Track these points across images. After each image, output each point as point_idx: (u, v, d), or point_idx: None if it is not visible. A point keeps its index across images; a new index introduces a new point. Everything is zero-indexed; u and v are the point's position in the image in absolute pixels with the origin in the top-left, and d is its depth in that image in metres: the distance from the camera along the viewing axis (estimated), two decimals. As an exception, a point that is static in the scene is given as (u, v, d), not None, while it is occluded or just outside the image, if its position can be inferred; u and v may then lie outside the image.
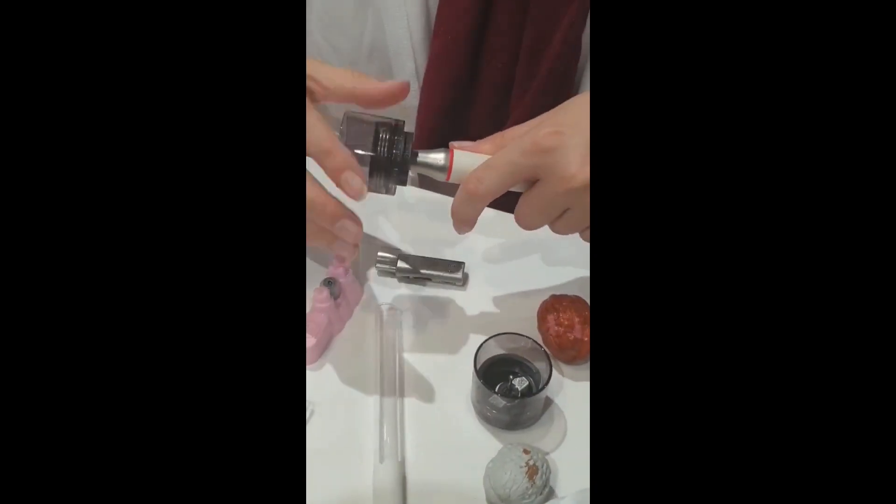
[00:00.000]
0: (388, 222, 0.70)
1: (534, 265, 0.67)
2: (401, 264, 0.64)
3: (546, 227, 0.54)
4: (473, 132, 0.75)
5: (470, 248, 0.68)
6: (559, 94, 0.66)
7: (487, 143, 0.53)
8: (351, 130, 0.50)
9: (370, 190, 0.50)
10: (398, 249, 0.65)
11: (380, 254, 0.65)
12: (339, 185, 0.47)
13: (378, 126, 0.50)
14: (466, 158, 0.52)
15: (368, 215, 0.69)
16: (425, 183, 0.73)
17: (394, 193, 0.53)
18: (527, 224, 0.53)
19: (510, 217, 0.70)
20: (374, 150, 0.49)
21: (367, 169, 0.49)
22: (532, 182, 0.51)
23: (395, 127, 0.51)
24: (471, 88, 0.70)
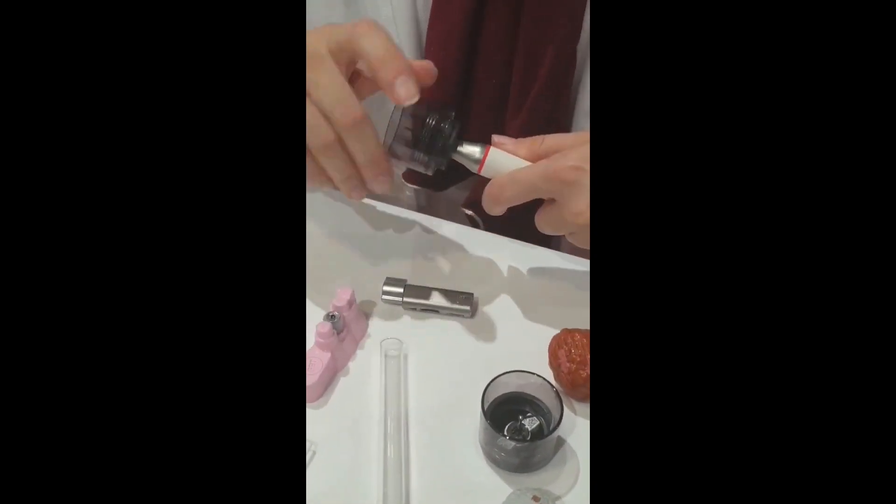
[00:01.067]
0: (394, 250, 0.68)
1: (545, 295, 0.64)
2: (407, 296, 0.62)
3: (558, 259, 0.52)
4: None
5: (479, 277, 0.65)
6: (555, 110, 0.66)
7: (526, 143, 0.55)
8: (405, 109, 0.53)
9: (411, 165, 0.54)
10: (404, 280, 0.63)
11: (385, 286, 0.63)
12: (391, 90, 0.49)
13: (430, 109, 0.54)
14: (499, 157, 0.55)
15: (375, 243, 0.68)
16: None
17: (431, 173, 0.56)
18: (541, 230, 0.56)
19: (520, 245, 0.69)
20: (422, 131, 0.53)
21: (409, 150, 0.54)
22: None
23: (445, 113, 0.54)
24: (465, 107, 0.69)
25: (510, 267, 0.67)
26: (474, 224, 0.75)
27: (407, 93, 0.49)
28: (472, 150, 0.55)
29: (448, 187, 0.78)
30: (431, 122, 0.53)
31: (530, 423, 0.53)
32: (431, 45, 0.66)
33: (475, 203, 0.73)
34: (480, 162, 0.54)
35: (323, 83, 0.48)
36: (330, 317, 0.57)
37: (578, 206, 0.51)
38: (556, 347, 0.56)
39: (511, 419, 0.53)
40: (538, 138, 0.55)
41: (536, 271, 0.66)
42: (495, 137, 0.56)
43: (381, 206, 0.72)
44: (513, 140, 0.55)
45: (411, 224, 0.71)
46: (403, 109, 0.53)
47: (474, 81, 0.68)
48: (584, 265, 0.67)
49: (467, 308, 0.62)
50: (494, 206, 0.55)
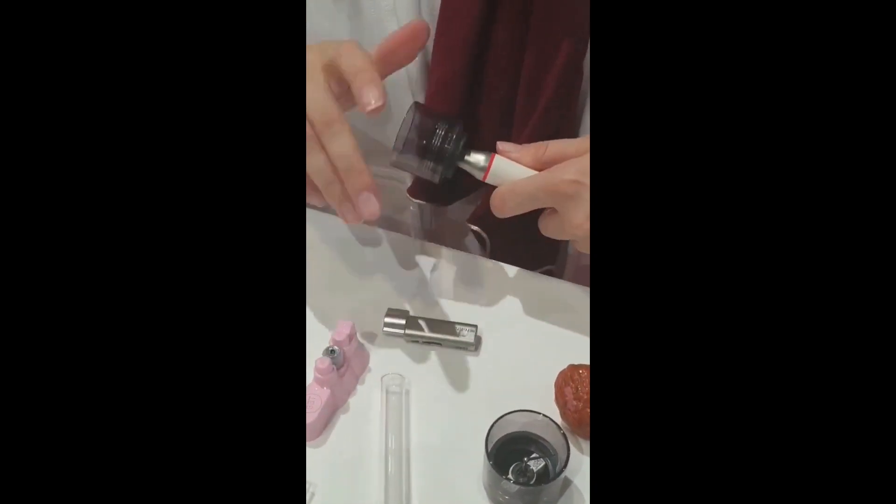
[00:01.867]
0: (396, 280, 0.66)
1: (551, 328, 0.62)
2: (409, 328, 0.61)
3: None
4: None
5: (484, 308, 0.64)
6: (561, 124, 0.64)
7: (530, 150, 0.56)
8: (415, 119, 0.55)
9: (419, 173, 0.56)
10: (406, 311, 0.62)
11: (387, 317, 0.61)
12: (360, 98, 0.50)
13: (437, 119, 0.56)
14: (504, 165, 0.56)
15: (377, 272, 0.67)
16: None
17: (438, 181, 0.56)
18: (544, 233, 0.57)
19: (526, 275, 0.67)
20: (430, 140, 0.55)
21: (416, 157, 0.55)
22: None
23: (453, 122, 0.56)
24: (471, 120, 0.68)
25: (515, 298, 0.65)
26: (480, 241, 0.74)
27: (372, 98, 0.49)
28: (477, 157, 0.56)
29: (453, 201, 0.77)
30: (439, 130, 0.55)
31: (535, 465, 0.51)
32: (438, 57, 0.65)
33: (481, 218, 0.72)
34: (486, 170, 0.56)
35: (308, 91, 0.51)
36: (329, 351, 0.55)
37: (577, 219, 0.52)
38: (563, 384, 0.54)
39: (516, 460, 0.51)
40: (542, 144, 0.56)
41: (542, 302, 0.65)
42: (500, 145, 0.57)
43: (384, 233, 0.71)
44: (517, 147, 0.57)
45: (414, 252, 0.69)
46: (413, 118, 0.55)
47: (482, 93, 0.67)
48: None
49: (471, 341, 0.60)
50: (499, 214, 0.56)
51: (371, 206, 0.51)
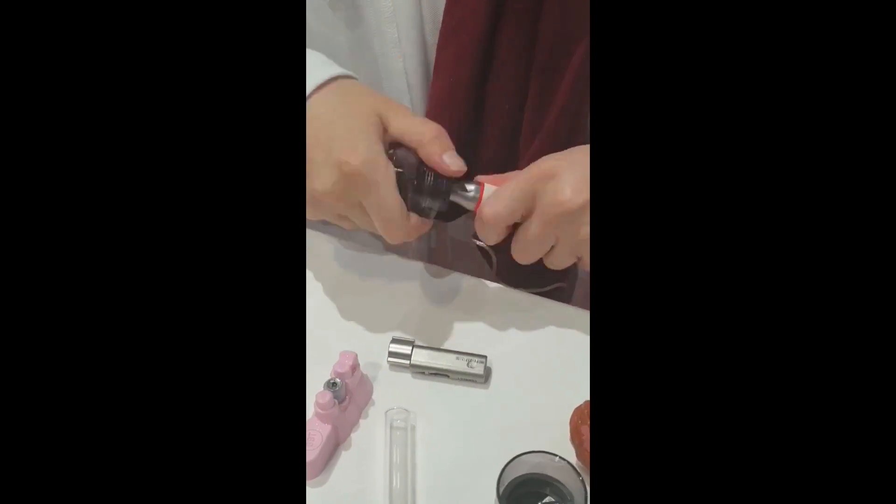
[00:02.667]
0: (401, 307, 0.63)
1: (565, 359, 0.59)
2: (415, 358, 0.58)
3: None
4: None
5: (493, 337, 0.61)
6: (572, 133, 0.63)
7: (510, 178, 0.56)
8: (399, 156, 0.54)
9: (411, 209, 0.54)
10: (412, 340, 0.59)
11: (392, 346, 0.58)
12: (438, 164, 0.53)
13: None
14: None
15: (381, 298, 0.64)
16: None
17: (431, 218, 0.56)
18: (522, 254, 0.57)
19: (538, 301, 0.64)
20: (422, 177, 0.54)
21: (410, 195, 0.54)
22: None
23: None
24: (475, 134, 0.66)
25: (526, 326, 0.62)
26: (486, 257, 0.71)
27: (456, 165, 0.53)
28: (469, 188, 0.56)
29: (458, 216, 0.74)
30: (427, 168, 0.55)
31: (550, 509, 0.48)
32: (440, 67, 0.62)
33: None
34: (478, 200, 0.56)
35: (359, 146, 0.51)
36: (331, 384, 0.52)
37: (564, 194, 0.52)
38: (579, 422, 0.51)
39: (529, 502, 0.48)
40: (521, 171, 0.56)
41: (555, 331, 0.62)
42: (480, 177, 0.57)
43: (388, 258, 0.68)
44: (497, 176, 0.57)
45: (420, 278, 0.66)
46: (401, 159, 0.54)
47: (486, 105, 0.65)
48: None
49: (480, 373, 0.57)
50: (489, 229, 0.55)
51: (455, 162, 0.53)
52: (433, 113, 0.65)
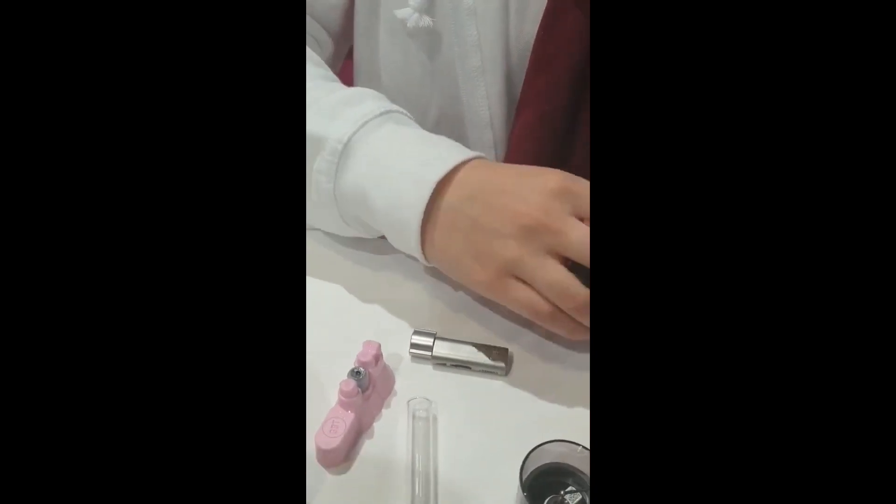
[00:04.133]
0: (423, 299, 0.64)
1: (588, 352, 0.59)
2: (437, 350, 0.58)
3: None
4: None
5: (516, 330, 0.61)
6: None
7: None
8: None
9: None
10: (434, 333, 0.59)
11: (414, 337, 0.58)
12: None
13: None
14: None
15: (404, 292, 0.64)
16: None
17: None
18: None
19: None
20: None
21: None
22: None
23: None
24: (563, 166, 0.66)
25: (547, 319, 0.62)
26: None
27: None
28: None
29: None
30: None
31: (572, 499, 0.48)
32: (530, 100, 0.63)
33: None
34: None
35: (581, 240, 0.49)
36: (355, 373, 0.53)
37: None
38: (601, 412, 0.51)
39: (551, 493, 0.48)
40: None
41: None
42: None
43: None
44: None
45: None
46: None
47: (575, 138, 0.65)
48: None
49: (502, 365, 0.57)
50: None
51: None
52: (519, 143, 0.65)
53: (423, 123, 0.71)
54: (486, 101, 0.66)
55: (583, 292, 0.49)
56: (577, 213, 0.50)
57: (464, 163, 0.53)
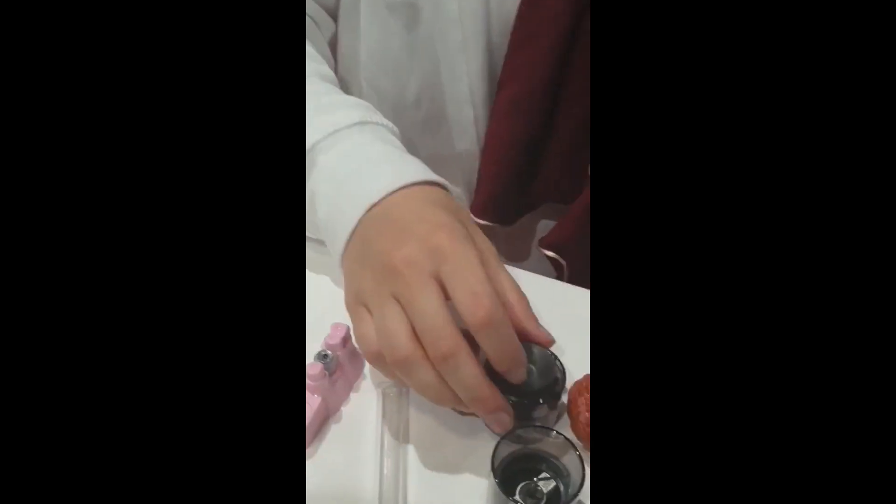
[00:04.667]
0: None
1: (565, 336, 0.57)
2: (409, 332, 0.56)
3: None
4: (541, 191, 0.69)
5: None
6: None
7: None
8: None
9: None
10: (407, 315, 0.57)
11: (385, 319, 0.56)
12: (488, 421, 0.48)
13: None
14: None
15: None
16: None
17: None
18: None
19: (538, 278, 0.63)
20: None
21: None
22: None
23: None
24: (539, 146, 0.64)
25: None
26: (558, 269, 0.69)
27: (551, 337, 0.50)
28: None
29: (517, 220, 0.72)
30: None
31: (546, 486, 0.46)
32: (510, 77, 0.61)
33: (560, 244, 0.68)
34: None
35: (424, 303, 0.44)
36: (322, 356, 0.51)
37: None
38: (577, 394, 0.50)
39: (524, 479, 0.47)
40: None
41: (554, 308, 0.60)
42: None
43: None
44: None
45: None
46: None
47: (556, 117, 0.63)
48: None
49: (475, 347, 0.55)
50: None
51: (503, 422, 0.47)
52: (499, 121, 0.64)
53: (403, 100, 0.69)
54: (466, 77, 0.64)
55: (497, 398, 0.46)
56: (439, 277, 0.45)
57: (407, 185, 0.50)
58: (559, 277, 0.68)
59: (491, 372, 0.47)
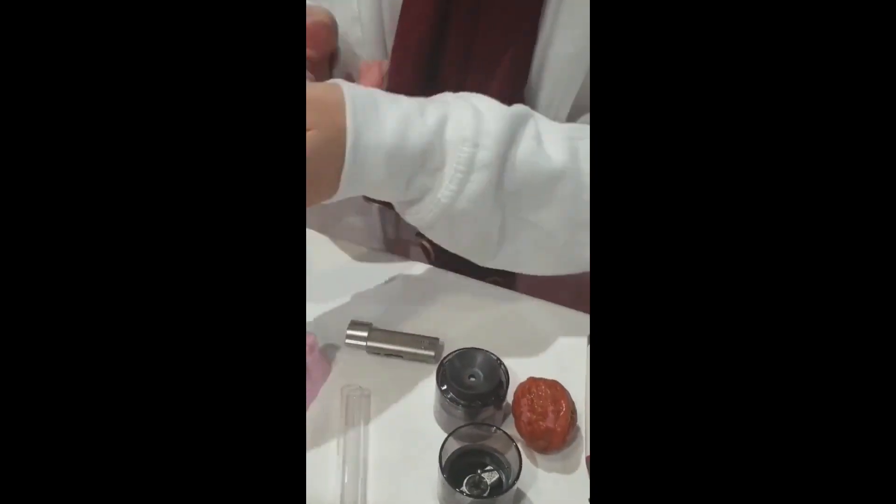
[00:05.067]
0: (360, 291, 0.67)
1: (513, 341, 0.63)
2: (371, 340, 0.61)
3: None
4: None
5: (446, 320, 0.64)
6: None
7: None
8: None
9: None
10: (370, 324, 0.62)
11: (349, 329, 0.61)
12: None
13: None
14: None
15: (342, 284, 0.67)
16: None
17: None
18: None
19: (492, 289, 0.68)
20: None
21: None
22: None
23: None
24: (431, 83, 0.65)
25: (477, 310, 0.66)
26: (426, 252, 0.73)
27: None
28: None
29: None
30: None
31: (489, 477, 0.51)
32: (395, 63, 0.63)
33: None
34: None
35: None
36: (289, 363, 0.56)
37: None
38: (520, 395, 0.55)
39: (470, 472, 0.52)
40: None
41: (504, 315, 0.65)
42: None
43: (347, 245, 0.71)
44: None
45: (378, 264, 0.70)
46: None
47: (439, 80, 0.64)
48: (554, 310, 0.66)
49: (432, 353, 0.61)
50: None
51: None
52: (394, 66, 0.64)
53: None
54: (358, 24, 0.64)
55: None
56: None
57: None
58: (430, 262, 0.71)
59: (445, 376, 0.53)
